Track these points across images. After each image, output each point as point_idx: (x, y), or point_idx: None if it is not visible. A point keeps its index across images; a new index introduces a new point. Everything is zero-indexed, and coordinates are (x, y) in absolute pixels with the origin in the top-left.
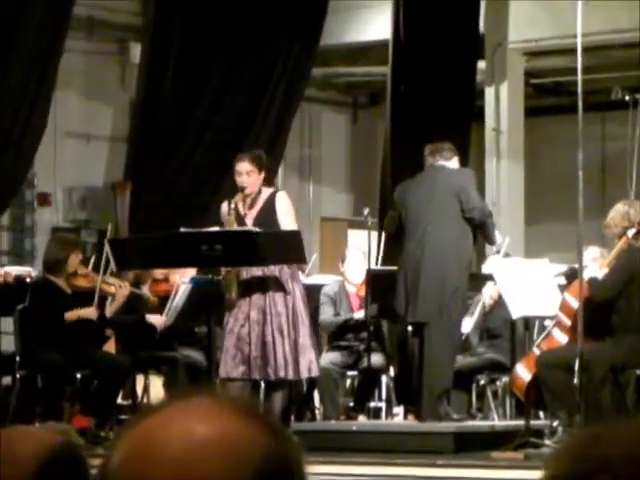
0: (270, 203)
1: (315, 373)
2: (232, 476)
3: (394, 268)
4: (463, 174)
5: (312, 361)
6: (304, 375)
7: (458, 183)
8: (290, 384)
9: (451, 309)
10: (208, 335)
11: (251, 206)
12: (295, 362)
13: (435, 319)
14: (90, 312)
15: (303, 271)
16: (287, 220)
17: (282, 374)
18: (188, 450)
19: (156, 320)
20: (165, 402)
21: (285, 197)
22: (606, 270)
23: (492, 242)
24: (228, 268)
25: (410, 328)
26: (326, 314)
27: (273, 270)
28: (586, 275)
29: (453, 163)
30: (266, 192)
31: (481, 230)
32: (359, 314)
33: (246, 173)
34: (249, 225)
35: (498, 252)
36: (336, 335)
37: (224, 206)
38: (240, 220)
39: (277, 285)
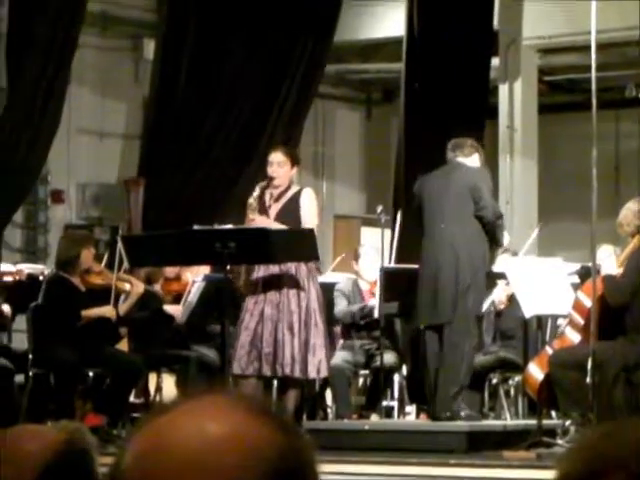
0: (295, 199)
1: (324, 374)
2: (245, 474)
3: (408, 266)
4: (478, 173)
5: (322, 361)
6: (312, 375)
7: (472, 181)
8: (302, 383)
9: (465, 307)
10: (221, 333)
11: (277, 199)
12: (303, 362)
13: (450, 319)
14: (108, 310)
15: (319, 270)
16: (310, 215)
17: (288, 371)
18: (201, 448)
19: (175, 310)
20: (178, 401)
21: (311, 193)
22: (622, 269)
23: (499, 244)
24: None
25: (422, 327)
26: (340, 305)
27: (290, 267)
28: (601, 273)
29: (473, 160)
30: (294, 189)
31: (489, 230)
32: (373, 301)
33: (277, 163)
34: (271, 217)
35: (515, 253)
36: (349, 333)
37: (252, 199)
38: (263, 210)
39: (293, 283)
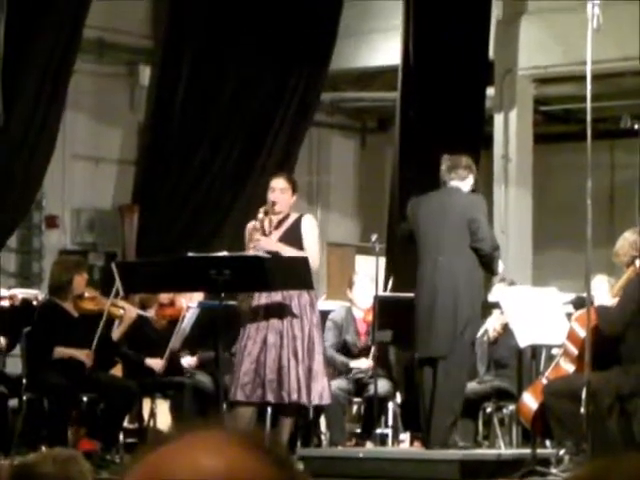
0: (296, 226)
1: (326, 401)
2: None
3: (402, 295)
4: (474, 202)
5: (324, 388)
6: (315, 401)
7: (470, 213)
8: (298, 411)
9: (462, 343)
10: (215, 360)
11: (277, 227)
12: (307, 388)
13: (447, 354)
14: (84, 355)
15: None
16: (310, 240)
17: (295, 397)
18: None
19: (155, 364)
20: (173, 434)
21: (312, 220)
22: (616, 300)
23: (494, 273)
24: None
25: (417, 357)
26: (327, 342)
27: (292, 295)
28: (595, 303)
29: (468, 183)
30: (293, 216)
31: (485, 261)
32: (357, 362)
33: (280, 190)
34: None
35: (512, 283)
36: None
37: (250, 225)
38: (263, 236)
39: (296, 310)
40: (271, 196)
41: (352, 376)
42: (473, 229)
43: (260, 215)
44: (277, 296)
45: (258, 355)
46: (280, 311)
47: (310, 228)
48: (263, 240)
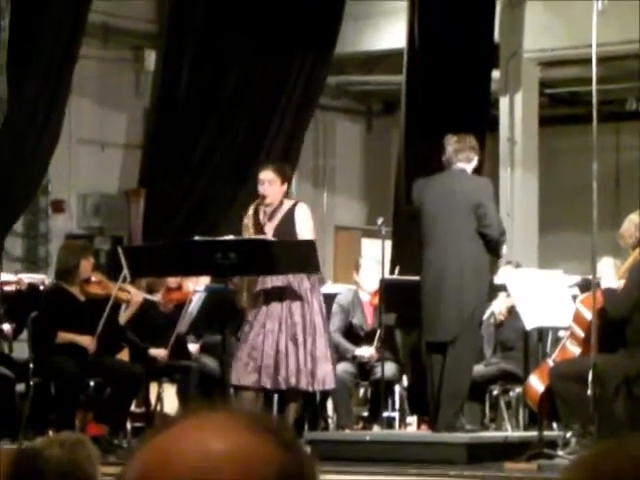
0: (290, 215)
1: (330, 385)
2: None
3: (408, 278)
4: (482, 186)
5: (328, 373)
6: (319, 387)
7: (476, 197)
8: (302, 395)
9: (470, 327)
10: (222, 344)
11: (271, 217)
12: (311, 374)
13: (455, 338)
14: (87, 341)
15: (323, 281)
16: (305, 231)
17: (293, 382)
18: (203, 465)
19: (159, 354)
20: (180, 417)
21: (305, 208)
22: (622, 282)
23: (499, 257)
24: (239, 277)
25: (425, 341)
26: (333, 326)
27: (292, 281)
28: (601, 286)
29: (473, 165)
30: (287, 204)
31: (492, 246)
32: (361, 350)
33: (268, 182)
34: (268, 235)
35: (518, 265)
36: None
37: (247, 218)
38: (258, 229)
39: (295, 296)
40: (260, 189)
41: (357, 361)
42: (480, 214)
43: (250, 211)
44: (277, 282)
45: (254, 341)
46: (279, 297)
47: (303, 217)
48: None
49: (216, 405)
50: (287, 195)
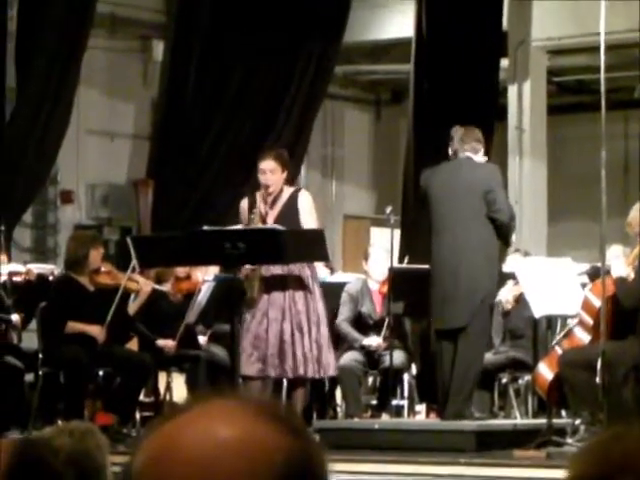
0: (292, 202)
1: (333, 372)
2: (255, 478)
3: (417, 267)
4: (490, 172)
5: (331, 360)
6: (324, 374)
7: (486, 183)
8: (309, 381)
9: (482, 314)
10: (231, 333)
11: (272, 205)
12: (317, 361)
13: (468, 323)
14: (96, 330)
15: (332, 269)
16: (309, 219)
17: (301, 372)
18: (211, 453)
19: (167, 344)
20: (189, 404)
21: (307, 196)
22: (630, 269)
23: (509, 244)
24: (250, 267)
25: (435, 329)
26: (342, 315)
27: (294, 268)
28: (611, 272)
29: (479, 156)
30: (287, 191)
31: (502, 232)
32: (369, 339)
33: (270, 171)
34: (270, 224)
35: (527, 254)
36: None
37: (244, 203)
38: (262, 219)
39: (297, 284)
40: (262, 179)
41: (366, 349)
42: (490, 200)
43: (249, 202)
44: (277, 269)
45: (257, 330)
46: (281, 286)
47: (306, 206)
48: None
49: (224, 393)
50: (293, 181)
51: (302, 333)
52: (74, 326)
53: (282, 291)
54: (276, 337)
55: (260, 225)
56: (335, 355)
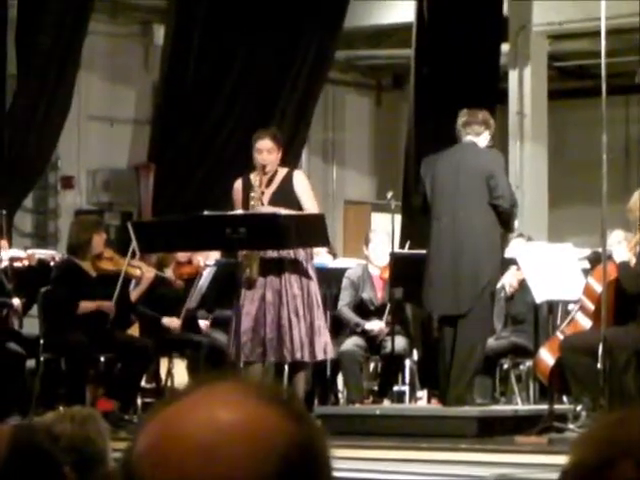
0: (287, 182)
1: (330, 355)
2: (256, 462)
3: (418, 252)
4: (493, 158)
5: (327, 343)
6: (320, 357)
7: (488, 168)
8: (311, 366)
9: (484, 300)
10: (233, 318)
11: (268, 184)
12: (311, 344)
13: (470, 309)
14: (107, 306)
15: (334, 255)
16: (308, 199)
17: (298, 356)
18: (212, 436)
19: (171, 323)
20: (190, 388)
21: (303, 176)
22: (632, 254)
23: (511, 230)
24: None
25: (437, 315)
26: (343, 301)
27: (289, 252)
28: (612, 257)
29: (483, 139)
30: (282, 171)
31: (504, 218)
32: (371, 324)
33: (267, 150)
34: (265, 203)
35: (529, 239)
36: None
37: (237, 184)
38: (259, 199)
39: (293, 267)
40: (259, 158)
41: (367, 335)
42: (492, 185)
43: (243, 183)
44: (273, 253)
45: (256, 314)
46: (277, 269)
47: (304, 186)
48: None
49: (225, 376)
50: (295, 166)
51: (298, 317)
52: (87, 305)
53: (278, 274)
54: (274, 321)
55: (259, 205)
56: (336, 340)
